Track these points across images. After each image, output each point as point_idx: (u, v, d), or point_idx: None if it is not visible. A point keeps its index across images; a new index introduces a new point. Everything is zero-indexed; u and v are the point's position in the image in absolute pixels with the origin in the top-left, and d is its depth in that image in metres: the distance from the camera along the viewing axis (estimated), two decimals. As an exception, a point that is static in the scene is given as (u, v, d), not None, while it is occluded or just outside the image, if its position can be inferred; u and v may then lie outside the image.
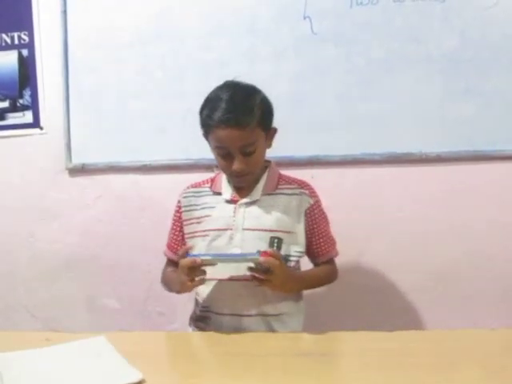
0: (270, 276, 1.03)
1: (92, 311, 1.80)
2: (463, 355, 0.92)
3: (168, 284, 1.22)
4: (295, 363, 0.90)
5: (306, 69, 1.58)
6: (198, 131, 1.64)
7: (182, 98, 1.66)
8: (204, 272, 1.06)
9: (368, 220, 1.57)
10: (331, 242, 1.23)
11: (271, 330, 1.13)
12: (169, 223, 1.71)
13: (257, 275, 1.05)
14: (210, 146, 1.16)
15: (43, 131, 1.79)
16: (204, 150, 1.64)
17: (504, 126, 1.52)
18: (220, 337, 1.13)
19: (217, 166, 1.61)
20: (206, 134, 1.14)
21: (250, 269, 1.06)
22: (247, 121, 1.06)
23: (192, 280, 1.05)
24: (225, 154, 1.11)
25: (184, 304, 1.73)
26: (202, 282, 1.08)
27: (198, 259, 1.03)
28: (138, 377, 0.82)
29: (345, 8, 1.55)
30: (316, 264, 1.24)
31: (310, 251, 1.22)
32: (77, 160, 1.75)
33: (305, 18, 1.57)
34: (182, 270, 1.05)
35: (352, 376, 0.88)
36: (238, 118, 1.05)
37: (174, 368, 0.90)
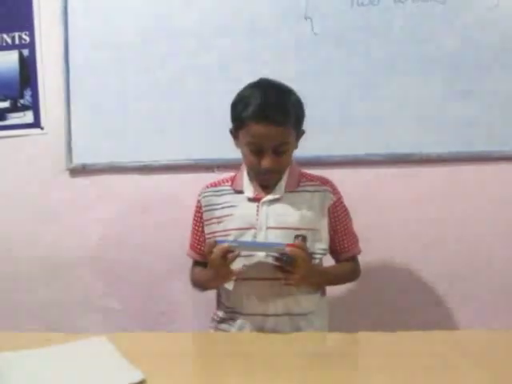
0: (295, 268, 1.03)
1: (93, 312, 1.80)
2: (464, 356, 0.92)
3: (200, 283, 1.22)
4: (291, 364, 0.90)
5: (306, 69, 1.58)
6: (199, 132, 1.66)
7: (183, 99, 1.66)
8: (238, 254, 1.05)
9: (368, 220, 1.57)
10: (354, 239, 1.23)
11: (297, 329, 1.13)
12: (169, 223, 1.72)
13: (282, 265, 1.04)
14: (239, 141, 1.14)
15: (44, 131, 1.79)
16: (204, 151, 1.66)
17: (504, 127, 1.52)
18: (222, 337, 1.13)
19: (218, 167, 1.63)
20: (238, 129, 1.13)
21: (276, 259, 1.05)
22: (284, 120, 1.06)
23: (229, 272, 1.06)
24: (256, 151, 1.09)
25: (185, 304, 1.74)
26: (243, 269, 1.07)
27: (225, 245, 1.03)
28: (139, 377, 0.82)
29: (345, 8, 1.56)
30: (338, 261, 1.23)
31: (333, 248, 1.21)
32: (77, 160, 1.75)
33: (306, 19, 1.57)
34: (214, 262, 1.04)
35: (353, 377, 0.88)
36: (276, 115, 1.05)
37: (176, 368, 0.90)
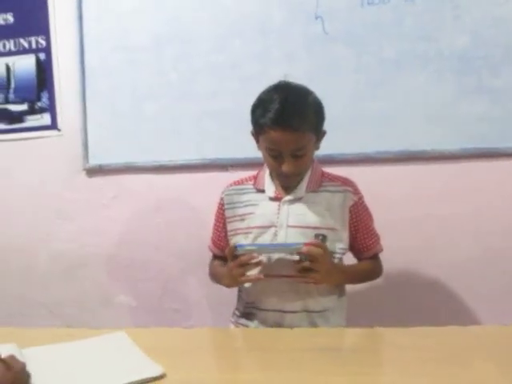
0: (315, 265, 1.05)
1: (108, 309, 1.84)
2: (477, 350, 0.93)
3: (215, 277, 1.26)
4: (306, 358, 0.92)
5: (317, 68, 1.59)
6: (212, 131, 1.68)
7: (196, 99, 1.69)
8: (256, 265, 1.09)
9: (380, 218, 1.57)
10: (375, 238, 1.24)
11: (314, 326, 1.15)
12: (183, 222, 1.75)
13: (303, 267, 1.06)
14: (260, 144, 1.16)
15: (61, 133, 1.83)
16: (218, 150, 1.69)
17: (516, 123, 1.52)
18: (239, 332, 1.15)
19: (231, 166, 1.66)
20: (257, 134, 1.15)
21: (296, 263, 1.07)
22: (301, 125, 1.07)
23: (243, 275, 1.10)
24: (275, 155, 1.11)
25: (199, 301, 1.77)
26: (259, 277, 1.11)
27: (245, 258, 1.07)
28: (159, 371, 0.85)
29: (356, 7, 1.56)
30: (360, 260, 1.25)
31: (355, 247, 1.23)
32: (94, 161, 1.78)
33: (316, 18, 1.59)
34: (231, 269, 1.10)
35: (368, 371, 0.89)
36: (292, 121, 1.06)
37: (195, 362, 0.92)
